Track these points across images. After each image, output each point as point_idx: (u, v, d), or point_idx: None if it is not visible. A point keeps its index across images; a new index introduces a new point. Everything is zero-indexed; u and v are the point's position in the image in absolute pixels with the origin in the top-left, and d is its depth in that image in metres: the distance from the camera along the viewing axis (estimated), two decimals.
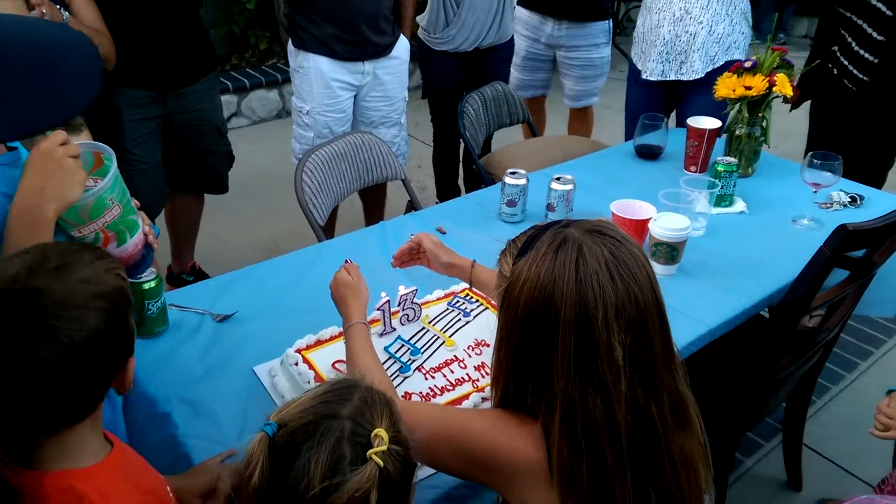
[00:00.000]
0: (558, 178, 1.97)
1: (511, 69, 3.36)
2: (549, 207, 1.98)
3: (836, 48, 2.63)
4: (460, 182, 3.50)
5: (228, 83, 4.54)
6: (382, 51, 2.69)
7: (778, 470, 2.24)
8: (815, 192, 2.01)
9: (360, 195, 3.02)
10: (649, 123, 2.39)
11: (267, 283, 1.70)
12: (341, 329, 1.44)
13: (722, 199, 2.07)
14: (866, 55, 2.52)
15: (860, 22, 2.52)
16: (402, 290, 1.46)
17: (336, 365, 1.34)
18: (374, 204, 3.05)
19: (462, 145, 3.18)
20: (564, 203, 1.96)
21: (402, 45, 2.78)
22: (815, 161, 1.97)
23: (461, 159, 3.45)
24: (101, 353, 0.87)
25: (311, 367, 1.33)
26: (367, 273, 1.72)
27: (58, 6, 1.99)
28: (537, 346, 0.95)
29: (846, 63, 2.58)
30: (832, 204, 2.10)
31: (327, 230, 2.39)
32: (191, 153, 2.60)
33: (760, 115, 2.19)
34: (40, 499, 0.88)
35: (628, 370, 0.91)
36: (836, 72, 2.64)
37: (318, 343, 1.41)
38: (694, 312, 1.61)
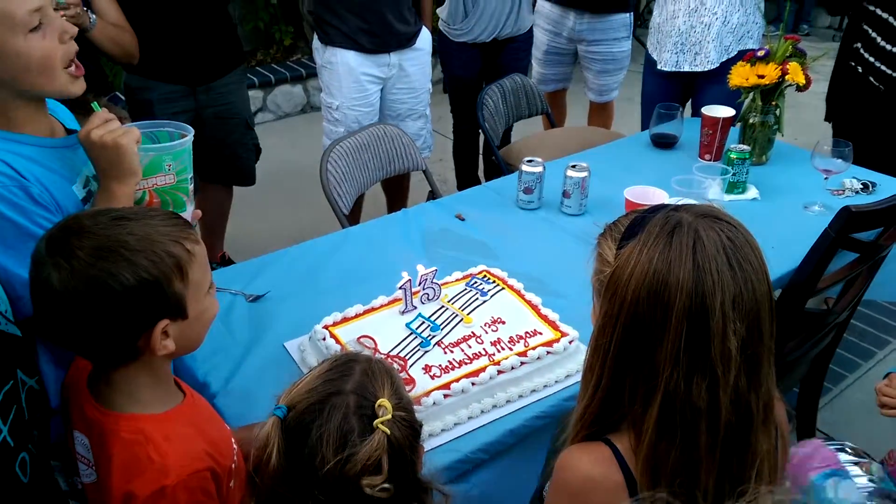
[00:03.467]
0: (574, 166, 2.04)
1: (532, 63, 3.42)
2: (565, 194, 2.05)
3: (858, 45, 2.60)
4: (480, 174, 3.56)
5: (254, 78, 4.65)
6: (407, 41, 2.77)
7: None
8: (826, 178, 2.05)
9: (383, 188, 3.11)
10: (665, 113, 2.44)
11: (296, 266, 1.79)
12: (366, 307, 1.53)
13: (734, 186, 2.12)
14: (893, 49, 2.47)
15: (886, 16, 2.47)
16: (422, 269, 1.53)
17: (361, 339, 1.42)
18: (396, 196, 3.13)
19: (482, 137, 3.24)
20: (580, 190, 2.02)
21: (425, 37, 2.86)
22: (825, 147, 2.01)
23: (481, 151, 3.52)
24: (139, 300, 0.94)
25: (337, 341, 1.41)
26: (389, 256, 1.82)
27: (85, 9, 2.09)
28: (644, 332, 0.91)
29: (871, 59, 2.55)
30: (844, 191, 2.14)
31: (352, 221, 2.48)
32: (220, 146, 2.69)
33: (774, 103, 2.23)
34: (116, 435, 0.99)
35: (739, 360, 0.89)
36: (860, 69, 2.61)
37: (345, 320, 1.49)
38: None
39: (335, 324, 1.48)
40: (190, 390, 1.10)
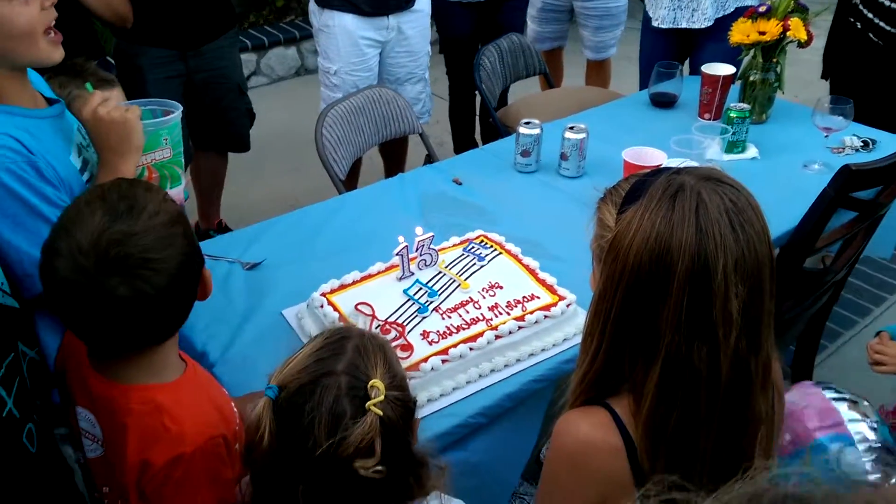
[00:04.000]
0: (571, 128, 2.01)
1: (528, 21, 3.35)
2: (563, 156, 2.03)
3: (857, 1, 2.55)
4: (477, 136, 3.53)
5: (247, 41, 4.57)
6: (405, 3, 2.71)
7: None
8: (826, 136, 2.02)
9: (380, 152, 3.08)
10: (664, 71, 2.40)
11: (292, 233, 1.78)
12: (363, 274, 1.53)
13: (734, 146, 2.10)
14: (892, 5, 2.43)
15: None
16: (420, 232, 1.52)
17: (358, 307, 1.42)
18: (394, 161, 3.10)
19: (478, 98, 3.20)
20: (578, 152, 2.00)
21: None
22: (825, 105, 1.99)
23: (478, 113, 3.48)
24: (190, 269, 0.98)
25: (335, 308, 1.41)
26: (386, 222, 1.81)
27: None
28: (646, 297, 0.91)
29: (870, 15, 2.50)
30: (844, 148, 2.12)
31: (349, 186, 2.46)
32: (212, 111, 2.65)
33: (775, 60, 2.20)
34: (126, 409, 0.99)
35: (740, 322, 0.89)
36: (859, 25, 2.56)
37: (342, 287, 1.49)
38: None
39: (332, 291, 1.47)
40: (189, 359, 1.10)
